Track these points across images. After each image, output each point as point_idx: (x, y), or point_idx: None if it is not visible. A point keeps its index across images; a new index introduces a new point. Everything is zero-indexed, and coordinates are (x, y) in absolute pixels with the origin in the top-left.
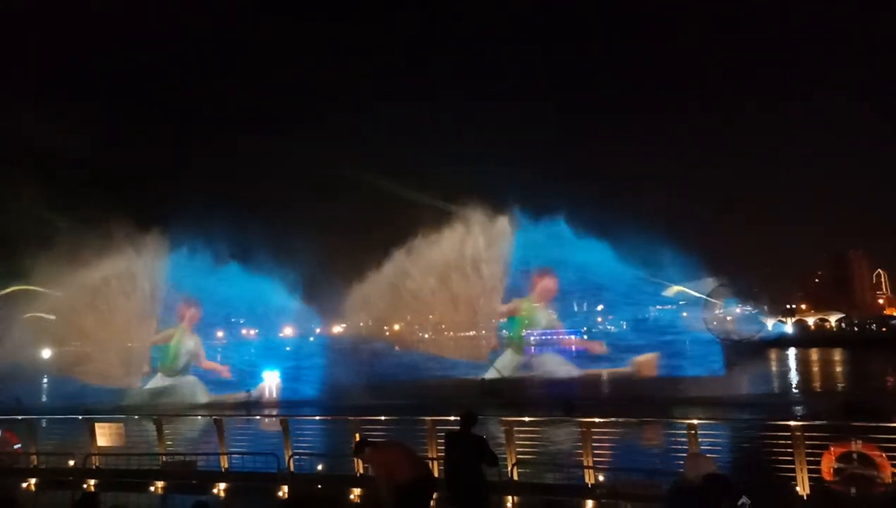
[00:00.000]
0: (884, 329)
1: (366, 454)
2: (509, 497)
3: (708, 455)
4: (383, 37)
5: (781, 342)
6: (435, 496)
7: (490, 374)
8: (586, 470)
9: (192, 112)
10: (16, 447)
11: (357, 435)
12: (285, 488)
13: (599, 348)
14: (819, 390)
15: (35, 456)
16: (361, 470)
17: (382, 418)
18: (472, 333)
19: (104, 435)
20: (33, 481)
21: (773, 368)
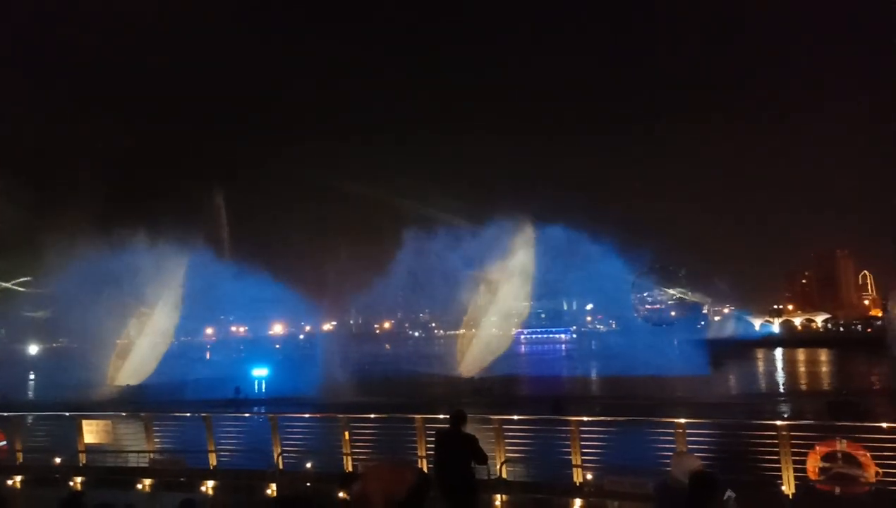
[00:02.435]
0: (869, 330)
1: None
2: (498, 496)
3: (693, 454)
4: (400, 43)
5: (768, 342)
6: None
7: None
8: (575, 469)
9: (190, 108)
10: (1, 444)
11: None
12: (274, 486)
13: None
14: (805, 390)
15: (21, 453)
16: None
17: (372, 416)
18: (461, 331)
19: (91, 432)
20: (19, 478)
21: (760, 368)
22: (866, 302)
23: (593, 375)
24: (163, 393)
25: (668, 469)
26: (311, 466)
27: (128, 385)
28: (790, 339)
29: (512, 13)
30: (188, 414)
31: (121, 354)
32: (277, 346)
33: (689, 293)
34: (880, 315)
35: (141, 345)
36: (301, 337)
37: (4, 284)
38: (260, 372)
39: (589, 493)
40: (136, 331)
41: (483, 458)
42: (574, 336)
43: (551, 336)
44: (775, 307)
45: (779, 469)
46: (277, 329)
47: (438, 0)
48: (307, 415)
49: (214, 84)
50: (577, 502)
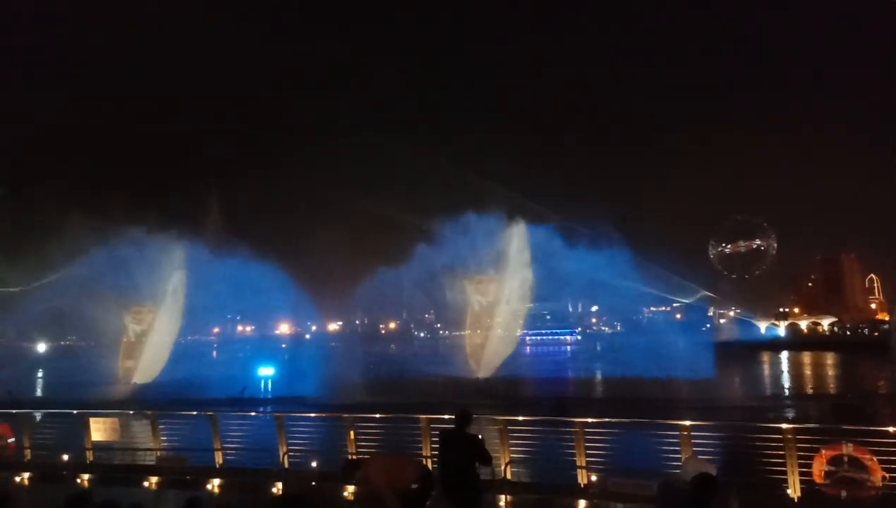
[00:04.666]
0: (875, 333)
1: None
2: (503, 496)
3: (706, 460)
4: (396, 40)
5: (774, 345)
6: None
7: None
8: (579, 470)
9: (190, 108)
10: (9, 441)
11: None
12: (279, 484)
13: None
14: (810, 393)
15: (29, 450)
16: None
17: (377, 416)
18: (467, 332)
19: (99, 430)
20: (27, 475)
21: (766, 371)
22: (873, 305)
23: (598, 377)
24: (169, 391)
25: (678, 470)
26: (317, 465)
27: (135, 383)
28: (796, 342)
29: (512, 13)
30: (194, 413)
31: (127, 353)
32: (283, 346)
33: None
34: (887, 318)
35: (148, 344)
36: (307, 336)
37: (13, 289)
38: (266, 371)
39: (593, 494)
40: (142, 330)
41: (487, 459)
42: (579, 337)
43: (556, 337)
44: (781, 310)
45: (784, 473)
46: (284, 328)
47: (439, 1)
48: (313, 415)
49: (214, 84)
50: (582, 503)
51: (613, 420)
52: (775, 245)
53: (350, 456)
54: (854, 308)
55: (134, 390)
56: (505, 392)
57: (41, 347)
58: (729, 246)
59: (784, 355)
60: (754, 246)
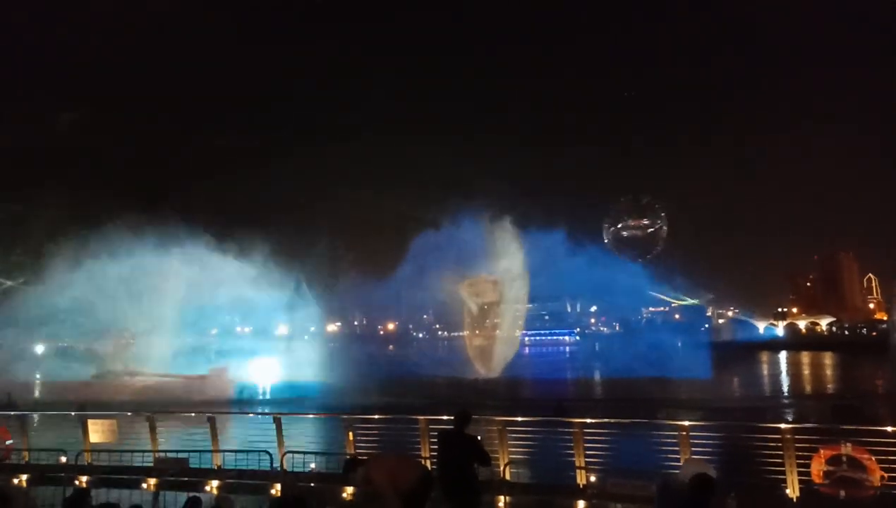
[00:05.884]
0: (874, 333)
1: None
2: (501, 497)
3: (705, 461)
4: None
5: (772, 345)
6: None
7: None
8: (578, 471)
9: (196, 107)
10: (7, 443)
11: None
12: (278, 486)
13: None
14: (809, 393)
15: (27, 452)
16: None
17: (376, 416)
18: (465, 333)
19: (97, 432)
20: (25, 477)
21: (764, 371)
22: (871, 305)
23: (597, 377)
24: (168, 392)
25: (676, 471)
26: (316, 466)
27: (142, 383)
28: (794, 342)
29: (512, 13)
30: (192, 414)
31: (129, 354)
32: (282, 346)
33: (659, 222)
34: (885, 318)
35: (148, 345)
36: (306, 337)
37: (9, 282)
38: (265, 362)
39: (592, 495)
40: (142, 331)
41: (486, 459)
42: (578, 338)
43: (555, 338)
44: (779, 310)
45: (783, 473)
46: (282, 330)
47: (439, 1)
48: (311, 415)
49: (214, 84)
50: (581, 504)
51: (612, 420)
52: (665, 227)
53: (350, 456)
54: (852, 307)
55: (135, 391)
56: (505, 393)
57: (39, 348)
58: (622, 226)
59: (783, 355)
60: (642, 225)
